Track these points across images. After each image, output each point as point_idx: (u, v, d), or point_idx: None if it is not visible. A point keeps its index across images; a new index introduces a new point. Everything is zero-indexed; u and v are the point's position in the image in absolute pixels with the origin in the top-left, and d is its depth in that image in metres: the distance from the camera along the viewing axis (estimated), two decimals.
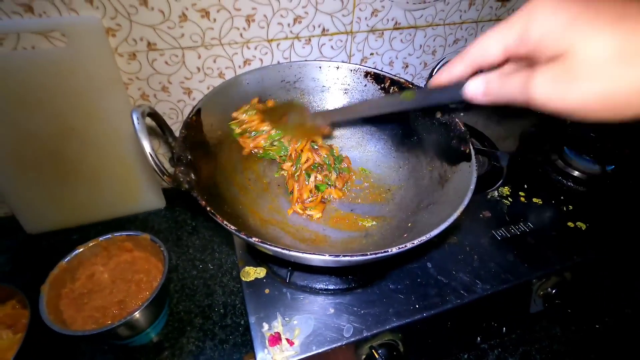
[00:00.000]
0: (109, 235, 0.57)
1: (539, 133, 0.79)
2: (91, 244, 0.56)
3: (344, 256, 0.34)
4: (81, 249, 0.55)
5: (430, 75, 0.59)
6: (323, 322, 0.46)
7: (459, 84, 0.34)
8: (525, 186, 0.68)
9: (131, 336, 0.53)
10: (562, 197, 0.65)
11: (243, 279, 0.51)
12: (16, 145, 0.62)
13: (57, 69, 0.57)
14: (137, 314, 0.50)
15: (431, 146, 0.56)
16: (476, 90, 0.32)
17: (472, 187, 0.42)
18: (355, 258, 0.34)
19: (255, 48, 0.70)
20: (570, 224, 0.61)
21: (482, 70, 0.33)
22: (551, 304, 0.53)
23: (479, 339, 0.52)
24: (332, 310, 0.48)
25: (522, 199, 0.65)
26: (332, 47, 0.75)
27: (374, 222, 0.53)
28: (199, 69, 0.68)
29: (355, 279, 0.51)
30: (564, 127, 0.63)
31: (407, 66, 0.85)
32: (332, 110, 0.56)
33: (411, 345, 0.48)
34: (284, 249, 0.36)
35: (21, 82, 0.56)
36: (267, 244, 0.35)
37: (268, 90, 0.61)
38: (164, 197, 0.79)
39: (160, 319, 0.57)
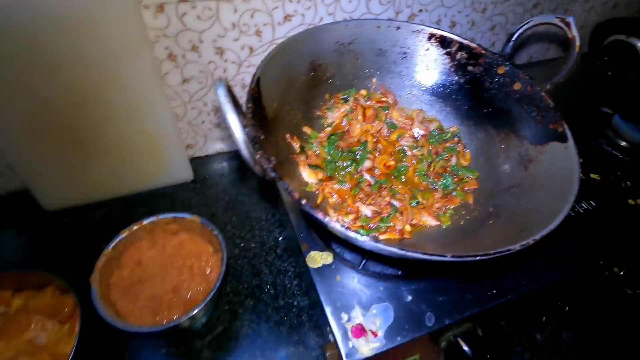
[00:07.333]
0: (154, 218, 0.51)
1: (588, 99, 0.75)
2: (135, 228, 0.50)
3: (467, 256, 0.31)
4: (125, 234, 0.50)
5: (508, 41, 0.53)
6: (403, 311, 0.44)
7: None
8: (581, 160, 0.65)
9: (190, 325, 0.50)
10: (618, 173, 0.63)
11: (310, 265, 0.48)
12: (29, 113, 0.53)
13: (72, 26, 0.48)
14: (200, 305, 0.46)
15: (505, 121, 0.52)
16: None
17: (578, 174, 0.39)
18: (478, 258, 0.31)
19: (298, 1, 0.60)
20: (630, 201, 0.59)
21: None
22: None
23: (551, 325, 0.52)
24: (409, 298, 0.46)
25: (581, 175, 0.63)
26: (380, 1, 0.66)
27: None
28: (234, 25, 0.59)
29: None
30: (621, 89, 0.59)
31: (454, 25, 0.77)
32: None
33: (489, 329, 0.47)
34: (392, 246, 0.32)
35: (31, 40, 0.47)
36: (381, 244, 0.31)
37: (321, 54, 0.54)
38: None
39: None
